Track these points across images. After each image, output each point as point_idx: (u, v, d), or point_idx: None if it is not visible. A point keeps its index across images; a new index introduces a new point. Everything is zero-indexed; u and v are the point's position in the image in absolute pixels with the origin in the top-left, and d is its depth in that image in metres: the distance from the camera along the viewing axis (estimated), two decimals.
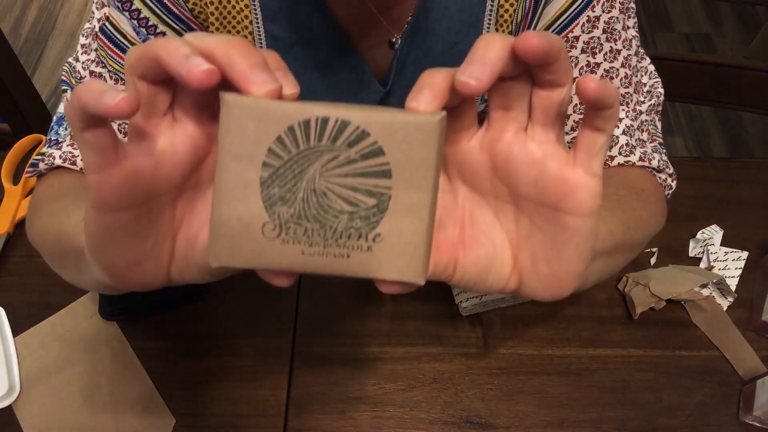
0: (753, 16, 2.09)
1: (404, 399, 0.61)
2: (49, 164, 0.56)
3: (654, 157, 0.59)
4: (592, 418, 0.60)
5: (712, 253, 0.69)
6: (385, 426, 0.60)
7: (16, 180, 0.74)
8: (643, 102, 0.60)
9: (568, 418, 0.60)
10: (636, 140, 0.58)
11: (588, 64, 0.58)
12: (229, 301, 0.66)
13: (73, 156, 0.56)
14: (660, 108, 0.62)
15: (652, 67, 0.63)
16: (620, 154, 0.57)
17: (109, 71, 0.57)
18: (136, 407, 0.60)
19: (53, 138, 0.57)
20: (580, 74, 0.59)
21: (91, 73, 0.58)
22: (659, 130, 0.61)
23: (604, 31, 0.57)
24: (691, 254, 0.69)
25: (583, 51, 0.58)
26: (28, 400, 0.61)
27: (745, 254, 0.69)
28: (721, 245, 0.69)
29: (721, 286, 0.66)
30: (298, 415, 0.60)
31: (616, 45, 0.58)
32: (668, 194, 0.61)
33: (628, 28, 0.59)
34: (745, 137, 1.83)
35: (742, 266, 0.68)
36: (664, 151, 0.61)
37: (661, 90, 0.62)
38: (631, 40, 0.60)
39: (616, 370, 0.62)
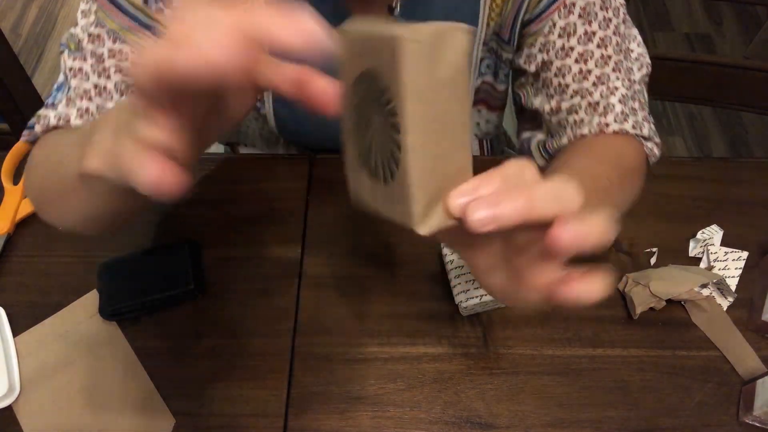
0: (753, 16, 2.09)
1: (404, 399, 0.61)
2: (44, 125, 0.56)
3: (644, 126, 0.61)
4: (592, 418, 0.60)
5: (712, 253, 0.69)
6: (385, 426, 0.60)
7: (16, 180, 0.74)
8: (635, 71, 0.63)
9: (568, 418, 0.60)
10: (629, 109, 0.60)
11: (585, 33, 0.61)
12: (229, 301, 0.66)
13: (68, 116, 0.56)
14: (647, 79, 0.64)
15: (639, 37, 0.66)
16: (615, 121, 0.59)
17: (107, 31, 0.57)
18: (136, 407, 0.60)
19: (50, 102, 0.58)
20: (578, 42, 0.61)
21: (89, 35, 0.57)
22: (647, 101, 0.64)
23: None
24: (691, 254, 0.69)
25: (579, 16, 0.61)
26: (28, 400, 0.61)
27: (745, 254, 0.69)
28: (721, 245, 0.69)
29: (721, 286, 0.66)
30: (298, 415, 0.60)
31: (608, 13, 0.61)
32: (652, 161, 0.64)
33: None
34: (745, 137, 1.83)
35: (742, 266, 0.68)
36: (652, 120, 0.63)
37: (649, 60, 0.65)
38: (618, 8, 0.63)
39: (616, 370, 0.62)
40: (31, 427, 0.60)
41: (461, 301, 0.63)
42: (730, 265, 0.68)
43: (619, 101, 0.60)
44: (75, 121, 0.57)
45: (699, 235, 0.70)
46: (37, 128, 0.58)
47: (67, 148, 0.47)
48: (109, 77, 0.57)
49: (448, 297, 0.66)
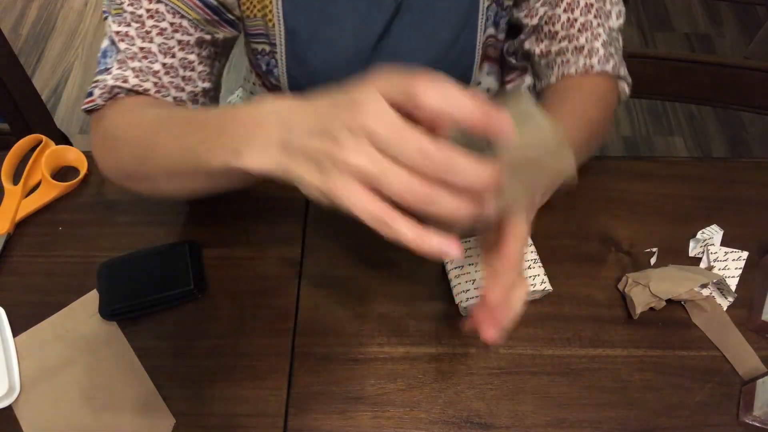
0: (753, 16, 2.09)
1: (404, 399, 0.61)
2: (103, 88, 0.59)
3: (621, 68, 0.69)
4: (592, 418, 0.60)
5: (712, 253, 0.69)
6: (385, 426, 0.60)
7: (16, 180, 0.74)
8: (614, 18, 0.69)
9: (568, 418, 0.60)
10: (608, 53, 0.67)
11: None
12: (229, 301, 0.66)
13: (124, 77, 0.59)
14: (622, 28, 0.71)
15: None
16: (599, 63, 0.66)
17: None
18: (136, 407, 0.60)
19: (102, 68, 0.61)
20: None
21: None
22: (621, 46, 0.71)
23: None
24: (691, 254, 0.69)
25: None
26: (28, 400, 0.61)
27: (745, 254, 0.69)
28: (721, 245, 0.69)
29: (721, 286, 0.66)
30: (298, 415, 0.60)
31: None
32: (623, 98, 0.71)
33: None
34: (745, 137, 1.83)
35: (742, 266, 0.68)
36: (624, 64, 0.70)
37: (623, 8, 0.70)
38: None
39: (616, 370, 0.62)
40: (31, 427, 0.60)
41: (461, 301, 0.63)
42: (730, 265, 0.68)
43: (602, 45, 0.67)
44: (133, 80, 0.59)
45: (699, 235, 0.70)
46: (96, 92, 0.60)
47: (166, 132, 0.51)
48: (152, 40, 0.60)
49: (448, 297, 0.66)
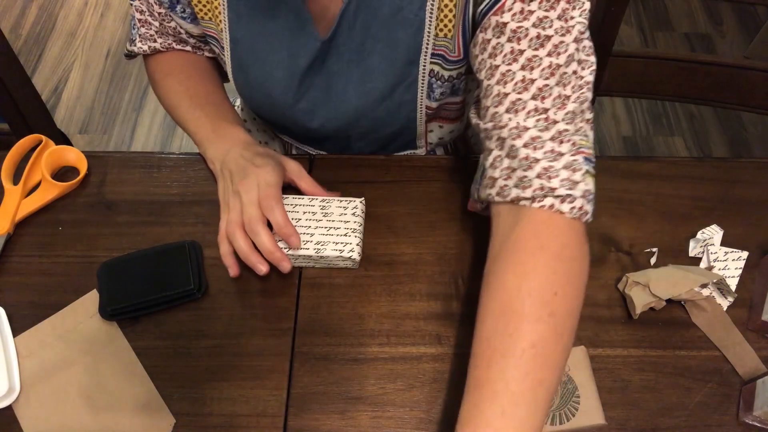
0: (753, 16, 2.09)
1: (404, 399, 0.61)
2: (130, 52, 0.81)
3: (566, 206, 0.52)
4: None
5: (712, 253, 0.69)
6: (385, 426, 0.60)
7: (16, 180, 0.74)
8: (566, 103, 0.55)
9: None
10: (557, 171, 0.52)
11: (512, 51, 0.56)
12: (229, 301, 0.66)
13: (149, 35, 0.78)
14: (590, 112, 0.57)
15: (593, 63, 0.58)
16: (559, 202, 0.52)
17: None
18: (136, 407, 0.60)
19: (131, 39, 0.79)
20: (503, 61, 0.57)
21: None
22: (590, 140, 0.55)
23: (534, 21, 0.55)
24: (691, 254, 0.69)
25: (509, 40, 0.56)
26: (28, 400, 0.61)
27: (745, 254, 0.69)
28: (721, 245, 0.69)
29: (721, 286, 0.66)
30: (298, 415, 0.60)
31: (545, 31, 0.55)
32: (586, 220, 0.54)
33: (572, 17, 0.56)
34: (745, 137, 1.83)
35: (742, 266, 0.68)
36: (592, 162, 0.55)
37: (589, 95, 0.57)
38: (572, 27, 0.56)
39: (616, 370, 0.62)
40: (31, 427, 0.60)
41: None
42: (730, 265, 0.68)
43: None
44: (150, 46, 0.79)
45: (699, 235, 0.70)
46: (135, 50, 0.80)
47: (183, 111, 0.76)
48: (151, 24, 0.76)
49: (448, 297, 0.66)
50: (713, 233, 0.70)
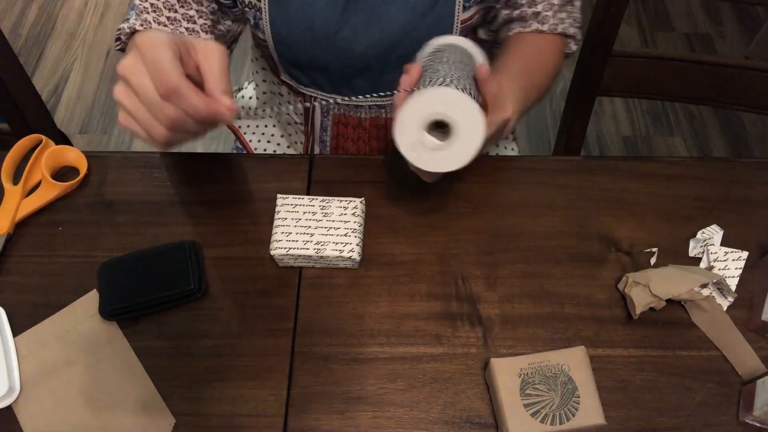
0: (753, 16, 2.09)
1: (404, 399, 0.61)
2: (122, 31, 0.75)
3: (570, 29, 0.79)
4: None
5: (712, 253, 0.69)
6: (385, 426, 0.60)
7: (16, 180, 0.74)
8: None
9: None
10: (558, 19, 0.77)
11: None
12: (229, 301, 0.66)
13: (141, 20, 0.74)
14: None
15: None
16: (548, 27, 0.77)
17: None
18: (136, 407, 0.60)
19: (126, 18, 0.75)
20: None
21: None
22: (575, 10, 0.80)
23: None
24: (691, 254, 0.69)
25: None
26: (28, 400, 0.61)
27: (745, 254, 0.69)
28: (721, 245, 0.69)
29: (721, 286, 0.66)
30: (298, 415, 0.60)
31: None
32: (567, 54, 0.83)
33: None
34: (745, 137, 1.84)
35: (742, 266, 0.68)
36: (575, 25, 0.80)
37: None
38: None
39: (616, 370, 0.62)
40: (31, 427, 0.60)
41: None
42: (730, 265, 0.68)
43: (553, 13, 0.77)
44: (153, 23, 0.75)
45: (699, 235, 0.70)
46: (122, 38, 0.75)
47: None
48: (175, 10, 0.75)
49: (448, 297, 0.66)
50: (713, 233, 0.70)
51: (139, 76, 0.49)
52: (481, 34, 0.86)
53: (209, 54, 0.51)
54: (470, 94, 0.57)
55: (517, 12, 0.78)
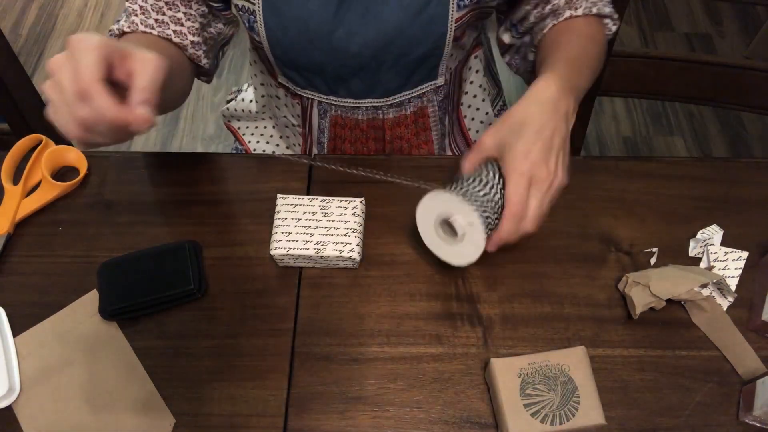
0: (753, 16, 2.09)
1: (404, 399, 0.61)
2: (112, 32, 0.75)
3: (606, 8, 0.77)
4: None
5: (712, 253, 0.69)
6: (385, 426, 0.60)
7: (16, 180, 0.74)
8: None
9: None
10: (591, 2, 0.76)
11: None
12: (229, 301, 0.66)
13: (129, 23, 0.74)
14: None
15: None
16: (583, 11, 0.75)
17: None
18: (136, 407, 0.60)
19: (117, 20, 0.76)
20: None
21: None
22: None
23: None
24: (691, 254, 0.69)
25: None
26: (28, 400, 0.61)
27: (745, 254, 0.69)
28: (721, 245, 0.69)
29: (721, 286, 0.66)
30: (298, 415, 0.60)
31: None
32: (608, 35, 0.79)
33: None
34: (745, 137, 1.83)
35: (742, 266, 0.68)
36: (609, 4, 0.78)
37: None
38: None
39: (616, 370, 0.63)
40: (31, 427, 0.60)
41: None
42: (730, 265, 0.68)
43: None
44: (133, 28, 0.74)
45: (699, 235, 0.70)
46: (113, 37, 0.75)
47: None
48: (146, 0, 0.74)
49: (448, 297, 0.66)
50: (713, 233, 0.70)
51: (63, 73, 0.51)
52: (506, 38, 0.85)
53: (145, 65, 0.51)
54: (483, 212, 0.60)
55: (549, 6, 0.77)
